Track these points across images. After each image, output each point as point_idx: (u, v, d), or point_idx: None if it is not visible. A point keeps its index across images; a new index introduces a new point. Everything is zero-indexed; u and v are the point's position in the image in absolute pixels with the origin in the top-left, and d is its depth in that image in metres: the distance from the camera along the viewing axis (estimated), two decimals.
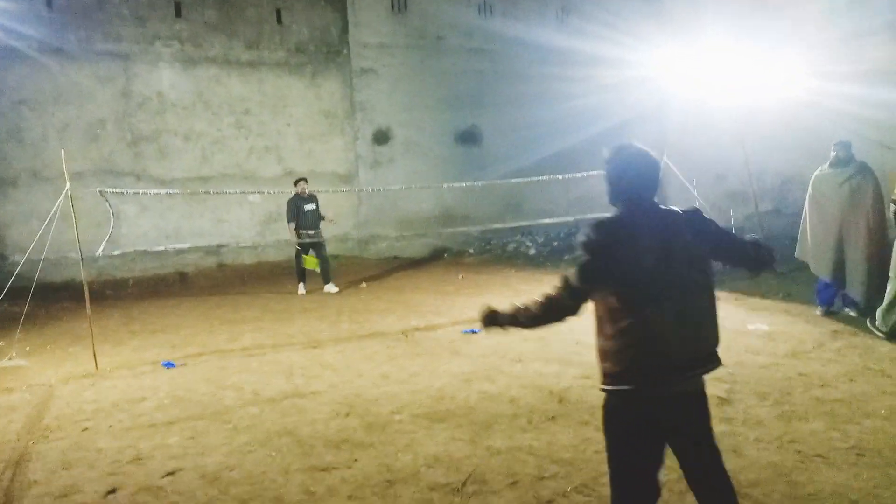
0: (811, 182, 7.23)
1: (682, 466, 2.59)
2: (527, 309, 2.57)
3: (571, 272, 2.47)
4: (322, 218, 9.89)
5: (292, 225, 9.70)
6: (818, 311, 7.28)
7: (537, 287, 9.84)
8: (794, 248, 7.61)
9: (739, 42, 11.51)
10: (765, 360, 5.73)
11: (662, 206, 2.54)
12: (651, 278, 2.38)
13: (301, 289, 9.92)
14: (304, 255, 9.76)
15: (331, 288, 9.96)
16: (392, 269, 12.10)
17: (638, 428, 2.46)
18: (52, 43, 10.95)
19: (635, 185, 2.52)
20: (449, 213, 13.58)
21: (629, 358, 2.41)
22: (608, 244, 2.42)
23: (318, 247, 9.86)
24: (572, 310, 2.51)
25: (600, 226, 2.46)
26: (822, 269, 7.17)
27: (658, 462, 2.54)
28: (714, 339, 2.55)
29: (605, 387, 2.51)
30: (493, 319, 2.67)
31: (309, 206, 9.74)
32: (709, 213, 2.70)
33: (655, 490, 2.54)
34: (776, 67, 11.09)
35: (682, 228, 2.49)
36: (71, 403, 5.40)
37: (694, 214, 2.56)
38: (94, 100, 11.36)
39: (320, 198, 10.16)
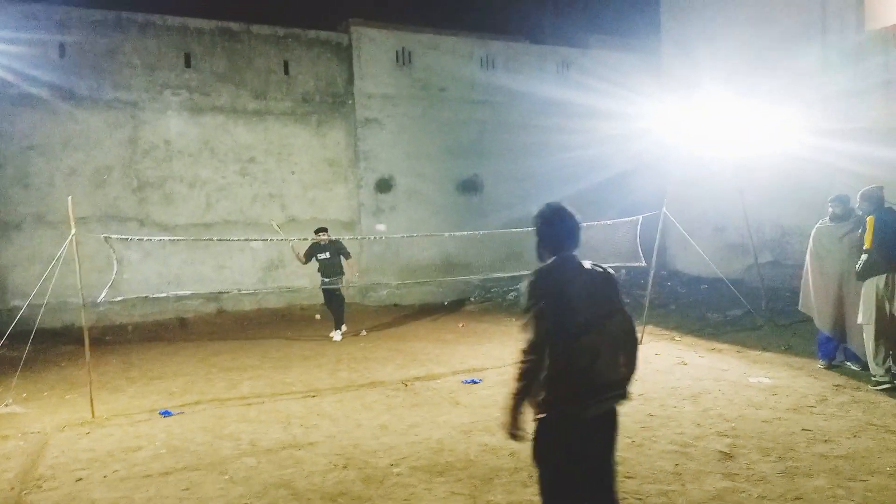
0: (812, 235, 7.28)
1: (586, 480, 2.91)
2: (518, 392, 2.83)
3: (529, 334, 2.78)
4: (346, 256, 10.05)
5: (301, 254, 9.94)
6: (820, 364, 7.25)
7: None
8: (794, 299, 7.63)
9: (738, 98, 11.78)
10: (767, 415, 5.68)
11: (581, 261, 2.96)
12: (575, 318, 2.77)
13: (336, 335, 10.02)
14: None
15: (336, 335, 9.97)
16: (393, 317, 12.08)
17: (565, 443, 2.82)
18: (62, 90, 11.19)
19: (564, 239, 2.95)
20: (450, 262, 13.63)
21: (563, 385, 2.77)
22: (549, 291, 2.80)
23: (331, 294, 9.98)
24: (543, 363, 2.77)
25: (545, 272, 2.87)
26: (823, 323, 7.17)
27: (583, 471, 2.87)
28: (623, 370, 2.92)
29: (540, 415, 2.83)
30: (509, 427, 2.88)
31: (323, 255, 9.87)
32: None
33: None
34: (773, 123, 11.31)
35: (601, 279, 2.93)
36: (66, 452, 5.34)
37: (610, 272, 2.99)
38: (102, 146, 11.54)
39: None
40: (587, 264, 2.96)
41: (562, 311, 2.77)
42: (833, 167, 9.86)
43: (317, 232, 10.01)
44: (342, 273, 9.99)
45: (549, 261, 2.95)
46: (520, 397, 2.83)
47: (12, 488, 4.60)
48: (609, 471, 2.99)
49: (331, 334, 10.00)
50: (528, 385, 2.80)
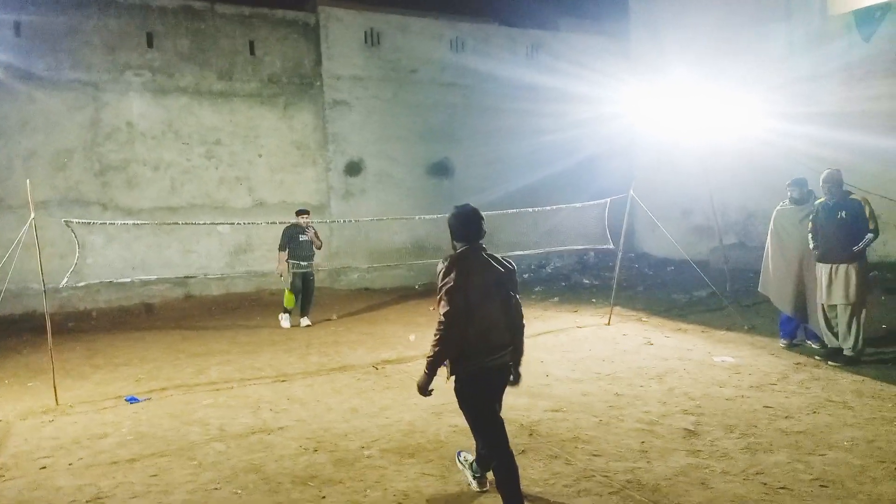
0: (773, 217, 7.44)
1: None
2: (435, 357, 3.57)
3: (446, 303, 3.50)
4: (315, 246, 9.81)
5: (283, 254, 9.63)
6: (782, 343, 7.44)
7: None
8: (758, 280, 7.80)
9: (705, 82, 11.91)
10: (731, 393, 5.82)
11: (483, 253, 3.74)
12: (477, 294, 3.56)
13: (284, 321, 9.80)
14: (285, 290, 9.69)
15: (305, 321, 9.85)
16: (363, 301, 12.04)
17: (479, 387, 3.71)
18: (19, 69, 10.82)
19: (471, 233, 3.73)
20: (420, 245, 13.60)
21: (471, 347, 3.58)
22: (460, 272, 3.55)
23: (307, 278, 9.81)
24: (459, 331, 3.51)
25: (456, 258, 3.66)
26: (783, 304, 7.35)
27: (494, 402, 3.79)
28: (508, 336, 3.71)
29: (458, 370, 3.65)
30: (424, 387, 3.69)
31: (304, 237, 9.67)
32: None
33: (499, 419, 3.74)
34: (738, 108, 11.48)
35: (499, 266, 3.71)
36: (29, 440, 5.24)
37: (509, 264, 3.78)
38: (62, 128, 11.21)
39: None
40: (491, 255, 3.75)
41: (468, 287, 3.52)
42: (796, 150, 10.06)
43: (298, 214, 9.76)
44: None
45: (460, 249, 3.71)
46: (437, 361, 3.56)
47: None
48: (499, 403, 3.87)
49: (301, 321, 9.86)
50: (445, 350, 3.53)
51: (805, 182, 7.23)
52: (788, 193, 7.26)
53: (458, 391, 3.71)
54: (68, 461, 4.77)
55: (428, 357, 3.57)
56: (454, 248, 3.78)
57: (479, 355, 3.58)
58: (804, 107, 10.67)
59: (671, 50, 13.23)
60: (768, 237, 7.49)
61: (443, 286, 3.54)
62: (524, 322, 3.78)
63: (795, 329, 7.42)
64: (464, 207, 3.80)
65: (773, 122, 10.78)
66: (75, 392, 6.59)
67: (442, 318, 3.49)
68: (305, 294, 9.91)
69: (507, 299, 3.66)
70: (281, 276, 9.76)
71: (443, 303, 3.51)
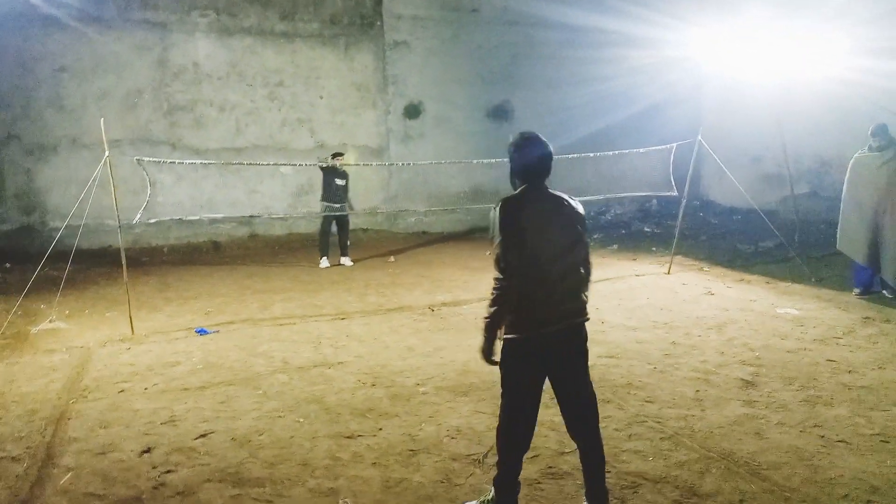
0: (850, 165, 7.10)
1: (557, 394, 3.10)
2: (491, 319, 2.92)
3: (501, 259, 2.86)
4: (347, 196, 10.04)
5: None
6: (855, 291, 7.20)
7: None
8: (829, 231, 7.52)
9: (779, 20, 11.18)
10: (792, 345, 5.69)
11: (551, 190, 3.05)
12: (540, 245, 2.89)
13: (324, 262, 10.05)
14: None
15: (346, 261, 10.09)
16: (420, 244, 12.18)
17: (530, 360, 2.97)
18: (90, 11, 11.11)
19: (535, 168, 3.02)
20: (478, 189, 13.55)
21: (528, 310, 2.90)
22: (518, 219, 2.88)
23: (341, 220, 9.99)
24: (516, 289, 2.87)
25: (514, 203, 2.94)
26: (856, 253, 7.07)
27: (539, 386, 3.02)
28: (581, 294, 3.04)
29: (508, 335, 2.97)
30: (487, 353, 2.97)
31: (340, 181, 9.83)
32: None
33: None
34: (817, 46, 10.74)
35: (568, 211, 3.00)
36: (108, 366, 5.60)
37: (577, 207, 3.05)
38: (132, 69, 11.53)
39: (351, 171, 10.29)
40: (557, 195, 3.04)
41: (529, 238, 2.87)
42: (881, 91, 9.37)
43: (334, 156, 9.90)
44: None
45: (519, 190, 3.03)
46: (495, 322, 2.92)
47: (59, 397, 4.87)
48: (583, 388, 3.09)
49: (341, 260, 10.08)
50: (503, 310, 2.89)
51: (886, 128, 6.83)
52: (870, 142, 6.89)
53: (503, 360, 3.01)
54: (144, 386, 5.09)
55: (485, 318, 2.94)
56: (514, 185, 3.09)
57: (539, 323, 2.92)
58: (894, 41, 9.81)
59: None
60: (845, 186, 7.16)
61: (497, 237, 2.89)
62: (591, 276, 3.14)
63: (870, 277, 7.15)
64: (529, 134, 3.08)
65: (858, 60, 10.00)
66: (149, 323, 6.98)
67: (498, 275, 2.88)
68: (341, 235, 10.11)
69: (578, 247, 3.00)
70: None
71: (497, 258, 2.88)
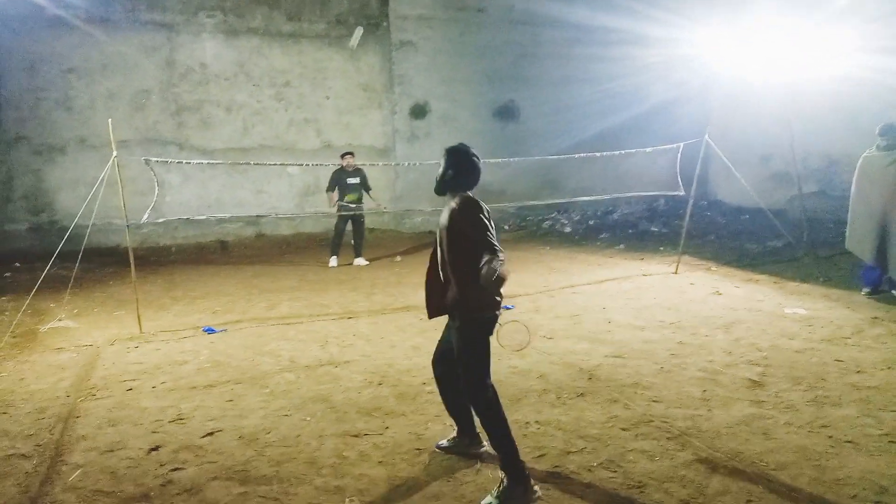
0: (858, 164, 7.06)
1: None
2: (504, 275, 3.23)
3: (492, 237, 3.34)
4: (367, 189, 9.99)
5: (331, 194, 9.83)
6: (863, 291, 7.16)
7: (571, 265, 9.83)
8: (837, 231, 7.47)
9: (787, 18, 11.12)
10: (800, 345, 5.66)
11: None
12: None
13: (333, 261, 10.06)
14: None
15: (360, 261, 10.11)
16: (427, 244, 12.17)
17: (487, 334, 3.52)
18: (98, 13, 11.18)
19: (478, 176, 3.67)
20: (485, 189, 13.28)
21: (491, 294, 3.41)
22: (486, 212, 3.47)
23: (356, 220, 10.00)
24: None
25: (476, 200, 3.54)
26: (864, 252, 7.04)
27: None
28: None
29: (484, 313, 3.47)
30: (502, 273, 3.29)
31: (352, 180, 9.84)
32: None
33: None
34: (826, 44, 10.68)
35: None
36: (116, 364, 5.63)
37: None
38: (140, 69, 11.59)
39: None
40: None
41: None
42: (890, 89, 9.31)
43: (343, 156, 9.90)
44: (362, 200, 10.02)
45: (468, 193, 3.58)
46: (502, 281, 3.25)
47: (68, 395, 4.90)
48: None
49: (355, 261, 10.10)
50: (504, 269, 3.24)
51: (894, 127, 6.80)
52: (878, 141, 6.85)
53: (476, 332, 3.48)
54: (152, 384, 5.12)
55: (500, 262, 3.21)
56: (453, 189, 3.63)
57: (497, 304, 3.49)
58: None
59: None
60: (853, 185, 7.12)
61: (481, 217, 3.39)
62: None
63: (879, 277, 7.10)
64: (469, 148, 3.68)
65: (866, 58, 9.95)
66: (157, 322, 7.01)
67: (494, 243, 3.29)
68: (356, 235, 10.12)
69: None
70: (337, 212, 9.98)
71: (493, 247, 3.28)
